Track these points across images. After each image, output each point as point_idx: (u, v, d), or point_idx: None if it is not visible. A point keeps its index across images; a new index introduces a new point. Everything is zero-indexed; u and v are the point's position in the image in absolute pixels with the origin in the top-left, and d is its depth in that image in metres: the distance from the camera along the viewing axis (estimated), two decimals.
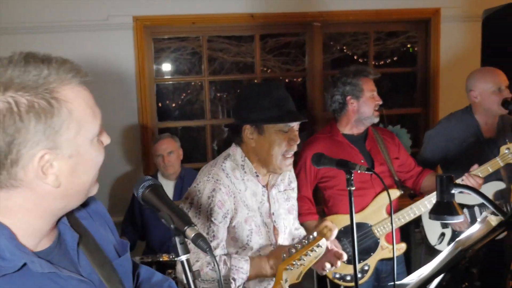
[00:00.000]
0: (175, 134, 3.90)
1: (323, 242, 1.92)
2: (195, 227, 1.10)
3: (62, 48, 3.70)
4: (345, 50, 4.79)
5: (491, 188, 2.97)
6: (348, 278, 2.89)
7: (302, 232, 2.41)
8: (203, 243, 1.07)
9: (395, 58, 4.80)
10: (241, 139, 2.10)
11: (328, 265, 2.06)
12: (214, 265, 1.11)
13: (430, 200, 2.80)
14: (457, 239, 1.59)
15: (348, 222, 1.90)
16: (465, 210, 3.05)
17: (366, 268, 2.92)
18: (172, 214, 1.11)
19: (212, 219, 1.99)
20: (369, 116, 2.92)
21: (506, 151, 2.76)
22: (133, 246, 3.69)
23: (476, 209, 3.00)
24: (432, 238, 3.10)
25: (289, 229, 2.29)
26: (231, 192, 2.03)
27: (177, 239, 1.10)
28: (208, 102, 4.39)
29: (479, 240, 1.44)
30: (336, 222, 2.62)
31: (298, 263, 1.88)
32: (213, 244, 1.98)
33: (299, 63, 4.58)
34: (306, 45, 4.39)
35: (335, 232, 2.15)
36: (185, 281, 1.10)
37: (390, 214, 1.95)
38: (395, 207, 2.94)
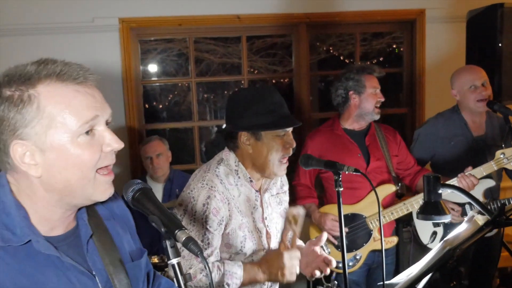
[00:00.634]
0: (163, 136, 3.88)
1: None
2: (186, 230, 1.09)
3: (47, 50, 3.67)
4: (331, 51, 4.82)
5: (481, 186, 3.00)
6: (341, 265, 2.94)
7: None
8: (194, 247, 1.07)
9: (381, 59, 4.84)
10: (236, 145, 2.06)
11: (317, 272, 2.08)
12: (206, 268, 1.11)
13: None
14: (445, 239, 1.61)
15: (344, 212, 1.94)
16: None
17: (358, 257, 3.03)
18: (162, 217, 1.11)
19: (208, 226, 1.96)
20: (369, 111, 3.01)
21: (501, 156, 2.80)
22: None
23: (467, 207, 3.04)
24: (424, 237, 3.14)
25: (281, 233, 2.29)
26: (225, 199, 2.01)
27: (167, 243, 1.09)
28: (196, 103, 4.38)
29: (466, 239, 1.46)
30: (333, 212, 2.94)
31: None
32: (207, 252, 1.96)
33: (286, 64, 4.59)
34: (292, 46, 4.40)
35: (323, 238, 2.16)
36: (176, 285, 1.10)
37: (380, 209, 1.98)
38: (390, 201, 3.08)
